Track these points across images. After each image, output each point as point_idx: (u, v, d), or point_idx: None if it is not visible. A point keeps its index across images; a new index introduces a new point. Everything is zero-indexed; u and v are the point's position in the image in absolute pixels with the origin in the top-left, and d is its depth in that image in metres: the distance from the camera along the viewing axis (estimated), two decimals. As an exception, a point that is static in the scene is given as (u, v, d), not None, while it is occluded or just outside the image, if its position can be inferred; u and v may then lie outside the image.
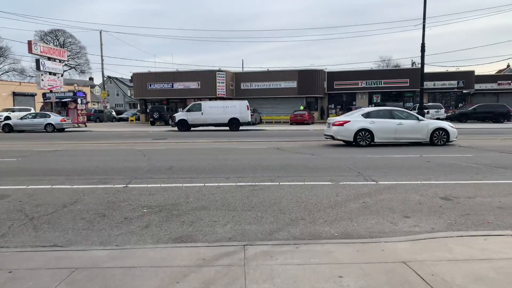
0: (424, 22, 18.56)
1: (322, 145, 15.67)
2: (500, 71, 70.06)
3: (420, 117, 15.38)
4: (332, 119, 15.70)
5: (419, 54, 19.57)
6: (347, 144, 15.16)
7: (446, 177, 8.13)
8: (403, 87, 45.39)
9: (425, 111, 36.41)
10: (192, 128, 29.08)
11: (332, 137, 15.10)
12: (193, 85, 43.40)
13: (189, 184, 7.70)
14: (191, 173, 9.00)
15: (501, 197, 6.41)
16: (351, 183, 7.66)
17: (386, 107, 19.15)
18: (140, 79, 45.41)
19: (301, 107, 41.89)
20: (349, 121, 14.72)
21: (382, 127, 14.53)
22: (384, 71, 51.53)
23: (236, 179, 8.19)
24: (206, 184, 7.68)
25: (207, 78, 42.78)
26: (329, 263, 3.72)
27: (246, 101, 29.23)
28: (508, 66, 72.65)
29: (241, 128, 28.69)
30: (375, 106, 41.49)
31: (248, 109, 28.31)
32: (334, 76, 46.54)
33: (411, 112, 16.12)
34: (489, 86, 49.29)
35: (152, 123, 38.64)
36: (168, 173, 8.99)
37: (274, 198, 6.57)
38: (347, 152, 12.78)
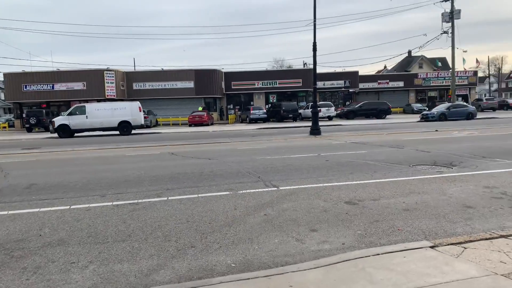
0: (314, 21, 18.83)
1: (222, 148, 14.75)
2: (378, 71, 77.65)
3: None
4: None
5: (310, 55, 19.87)
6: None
7: (347, 177, 7.76)
8: (297, 87, 47.12)
9: (318, 109, 38.32)
10: (76, 134, 25.90)
11: None
12: (78, 86, 39.26)
13: (49, 208, 6.03)
14: (57, 191, 7.25)
15: (403, 197, 6.10)
16: (251, 191, 6.79)
17: None
18: (13, 80, 39.61)
19: (200, 108, 40.69)
20: None
21: None
22: (278, 71, 53.03)
23: (114, 196, 6.73)
24: (72, 207, 6.10)
25: (94, 78, 39.02)
26: (222, 321, 2.68)
27: (138, 102, 27.02)
28: (385, 67, 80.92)
29: (133, 132, 26.44)
30: (271, 106, 42.22)
31: (140, 111, 26.16)
32: (231, 76, 46.31)
33: None
34: (371, 85, 53.94)
35: (29, 130, 33.83)
36: (25, 194, 7.10)
37: (159, 219, 5.34)
38: (246, 154, 12.02)
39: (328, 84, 50.84)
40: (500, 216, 5.01)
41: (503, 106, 53.94)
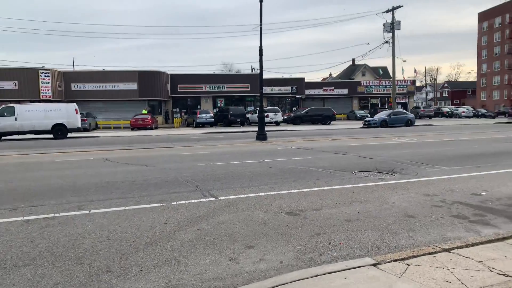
0: (261, 25, 18.64)
1: (162, 153, 13.98)
2: (324, 79, 79.90)
3: None
4: None
5: (258, 59, 19.58)
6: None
7: (290, 185, 7.44)
8: (245, 92, 46.97)
9: (265, 114, 38.35)
10: (3, 138, 23.69)
11: None
12: (9, 85, 36.29)
13: None
14: (-43, 205, 6.22)
15: (346, 206, 5.86)
16: (186, 202, 6.23)
17: None
18: None
19: (144, 111, 39.20)
20: None
21: None
22: (226, 75, 52.60)
23: (27, 209, 5.86)
24: (-29, 224, 5.19)
25: (27, 77, 36.27)
26: None
27: (75, 103, 25.29)
28: (330, 74, 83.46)
29: (69, 135, 24.68)
30: (218, 110, 41.72)
31: (77, 113, 24.49)
32: (177, 79, 45.15)
33: None
34: (317, 92, 55.12)
35: None
36: None
37: (75, 237, 4.64)
38: (187, 160, 11.40)
39: (275, 89, 51.23)
40: (441, 226, 4.88)
41: (439, 114, 57.56)
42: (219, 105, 46.19)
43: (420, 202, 6.09)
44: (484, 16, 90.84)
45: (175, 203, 6.15)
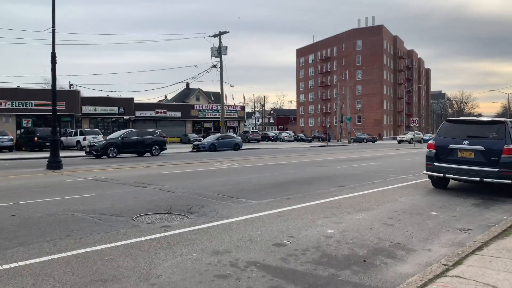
0: (53, 27, 15.03)
1: None
2: (160, 101, 77.06)
3: None
4: None
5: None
6: None
7: (25, 255, 4.51)
8: (60, 111, 40.29)
9: (82, 137, 33.25)
10: None
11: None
12: None
13: None
14: None
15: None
16: None
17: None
18: None
19: None
20: None
21: None
22: (35, 91, 44.49)
23: None
24: None
25: None
26: None
27: None
28: (166, 97, 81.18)
29: None
30: (23, 131, 34.68)
31: None
32: (-36, 92, 35.86)
33: None
34: (149, 114, 51.95)
35: None
36: None
37: None
38: None
39: (100, 109, 46.14)
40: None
41: (265, 138, 61.16)
42: (25, 125, 38.51)
43: (201, 270, 4.02)
44: (301, 53, 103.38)
45: None
